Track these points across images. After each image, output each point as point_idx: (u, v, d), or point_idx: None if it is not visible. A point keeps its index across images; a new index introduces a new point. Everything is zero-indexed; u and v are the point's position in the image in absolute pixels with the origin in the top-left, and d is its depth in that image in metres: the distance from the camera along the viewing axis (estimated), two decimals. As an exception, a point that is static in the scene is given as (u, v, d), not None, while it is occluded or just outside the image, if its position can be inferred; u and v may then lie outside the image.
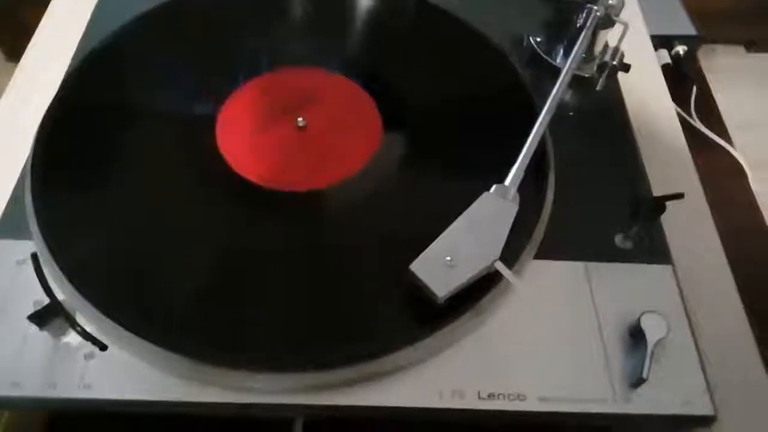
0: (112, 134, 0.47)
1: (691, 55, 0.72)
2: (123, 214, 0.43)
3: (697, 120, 0.67)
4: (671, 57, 0.72)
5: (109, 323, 0.38)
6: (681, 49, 0.71)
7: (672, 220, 0.46)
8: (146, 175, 0.46)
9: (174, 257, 0.41)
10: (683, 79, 0.70)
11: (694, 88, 0.69)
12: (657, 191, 0.47)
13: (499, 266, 0.38)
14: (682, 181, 0.49)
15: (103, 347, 0.38)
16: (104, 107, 0.49)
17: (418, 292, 0.38)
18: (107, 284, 0.39)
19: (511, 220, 0.40)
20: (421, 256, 0.38)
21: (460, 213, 0.40)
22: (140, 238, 0.42)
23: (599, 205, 0.46)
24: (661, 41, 0.71)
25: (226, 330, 0.38)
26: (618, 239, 0.44)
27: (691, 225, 0.47)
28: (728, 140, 0.66)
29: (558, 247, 0.43)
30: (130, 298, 0.39)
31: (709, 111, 0.69)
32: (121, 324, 0.38)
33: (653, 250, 0.44)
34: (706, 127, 0.66)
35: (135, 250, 0.42)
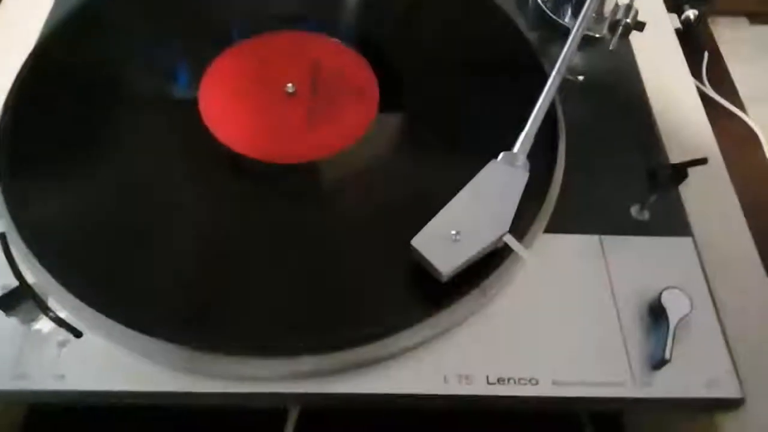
0: (87, 107, 0.44)
1: (701, 20, 0.68)
2: (99, 191, 0.40)
3: (709, 88, 0.63)
4: (681, 22, 0.68)
5: (84, 308, 0.35)
6: (692, 13, 0.67)
7: (689, 189, 0.43)
8: (124, 149, 0.42)
9: (155, 236, 0.38)
10: (694, 45, 0.67)
11: (706, 55, 0.66)
12: (673, 159, 0.44)
13: (509, 240, 0.35)
14: (698, 147, 0.46)
15: (77, 334, 0.35)
16: (77, 78, 0.45)
17: (420, 269, 0.35)
18: (81, 265, 0.36)
19: (521, 189, 0.36)
20: (423, 230, 0.35)
21: (465, 183, 0.37)
22: (118, 217, 0.39)
23: (613, 174, 0.43)
24: (670, 4, 0.67)
25: (212, 313, 0.35)
26: (634, 210, 0.41)
27: (709, 194, 0.44)
28: (742, 109, 0.63)
29: (570, 219, 0.40)
30: (106, 280, 0.36)
31: (722, 79, 0.66)
32: (97, 308, 0.34)
33: (672, 221, 0.41)
34: (719, 95, 0.63)
35: (112, 229, 0.38)
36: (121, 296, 0.35)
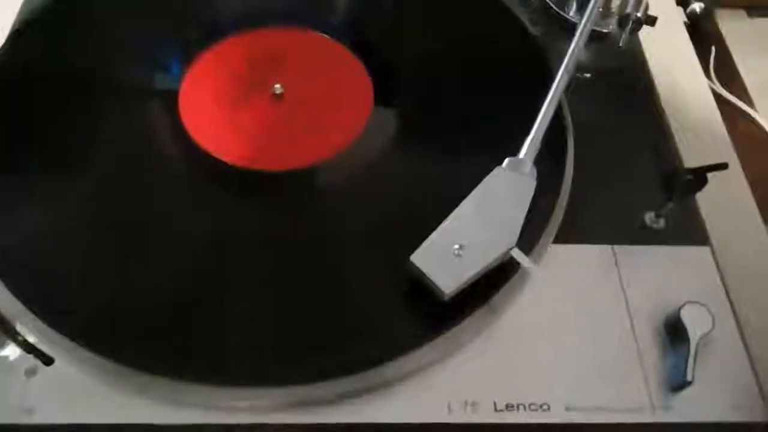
0: (57, 108, 0.41)
1: (708, 14, 0.66)
2: (70, 202, 0.37)
3: (718, 84, 0.60)
4: (687, 15, 0.65)
5: (53, 333, 0.32)
6: (698, 6, 0.64)
7: (704, 194, 0.40)
8: (99, 157, 0.39)
9: (133, 254, 0.35)
10: (700, 40, 0.64)
11: (713, 49, 0.63)
12: (687, 162, 0.41)
13: (517, 254, 0.32)
14: (713, 150, 0.44)
15: (48, 361, 0.32)
16: (47, 77, 0.42)
17: (420, 287, 0.32)
18: (50, 285, 0.33)
19: (529, 198, 0.34)
20: (423, 245, 0.32)
21: (467, 192, 0.34)
22: (92, 231, 0.36)
23: (625, 180, 0.40)
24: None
25: (196, 339, 0.32)
26: (648, 218, 0.38)
27: (726, 200, 0.41)
28: (752, 107, 0.60)
29: (580, 228, 0.38)
30: (78, 302, 0.33)
31: (729, 75, 0.63)
32: (67, 334, 0.31)
33: (688, 229, 0.38)
34: (727, 91, 0.60)
35: (86, 249, 0.35)
36: (94, 321, 0.32)
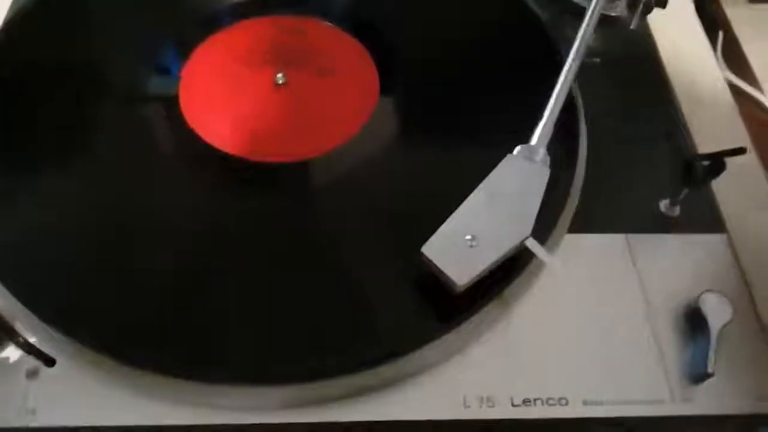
0: (54, 104, 0.39)
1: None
2: (69, 196, 0.36)
3: (726, 68, 0.59)
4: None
5: (54, 333, 0.31)
6: (703, -11, 0.63)
7: (717, 181, 0.39)
8: (96, 149, 0.38)
9: (134, 250, 0.34)
10: (707, 24, 0.63)
11: (721, 34, 0.62)
12: (701, 148, 0.40)
13: (532, 244, 0.31)
14: (726, 135, 0.43)
15: (50, 362, 0.31)
16: (42, 68, 0.41)
17: (430, 280, 0.31)
18: (50, 284, 0.32)
19: (543, 186, 0.33)
20: (434, 235, 0.31)
21: (478, 182, 0.33)
22: (92, 227, 0.35)
23: (637, 166, 0.39)
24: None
25: (202, 337, 0.31)
26: (663, 205, 0.37)
27: (740, 186, 0.40)
28: (761, 92, 0.59)
29: (593, 217, 0.37)
30: (79, 301, 0.32)
31: (738, 60, 0.62)
32: (69, 334, 0.30)
33: (703, 216, 0.37)
34: (738, 77, 0.59)
35: (86, 243, 0.34)
36: (97, 320, 0.31)
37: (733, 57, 0.63)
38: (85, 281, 0.32)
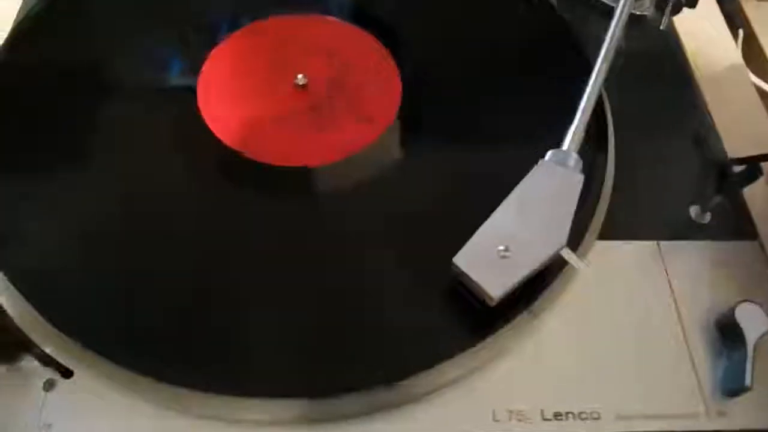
0: (69, 101, 0.38)
1: (733, -4, 0.63)
2: (84, 200, 0.35)
3: (747, 70, 0.58)
4: (715, -1, 0.63)
5: (72, 344, 0.30)
6: (724, -13, 0.62)
7: (749, 186, 0.38)
8: (112, 151, 0.37)
9: (152, 256, 0.33)
10: (728, 22, 0.61)
11: (741, 32, 0.61)
12: (731, 153, 0.39)
13: (567, 254, 0.30)
14: (757, 139, 0.41)
15: (67, 373, 0.30)
16: (56, 67, 0.40)
17: (458, 291, 0.31)
18: (66, 294, 0.31)
19: (578, 192, 0.32)
20: (466, 246, 0.30)
21: (506, 188, 0.32)
22: (108, 232, 0.34)
23: (666, 171, 0.38)
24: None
25: (222, 349, 0.30)
26: (693, 212, 0.37)
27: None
28: (781, 92, 0.58)
29: (623, 224, 0.36)
30: (97, 310, 0.31)
31: (757, 59, 0.61)
32: (89, 345, 0.29)
33: (736, 223, 0.37)
34: (758, 76, 0.58)
35: (102, 252, 0.33)
36: (117, 330, 0.30)
37: (753, 56, 0.62)
38: (101, 291, 0.31)
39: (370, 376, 0.29)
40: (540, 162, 0.33)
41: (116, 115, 0.38)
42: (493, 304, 0.29)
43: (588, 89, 0.35)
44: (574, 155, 0.33)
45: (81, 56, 0.40)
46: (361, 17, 0.43)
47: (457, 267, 0.30)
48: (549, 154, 0.33)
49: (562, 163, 0.33)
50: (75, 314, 0.30)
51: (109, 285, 0.32)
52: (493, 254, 0.30)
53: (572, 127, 0.34)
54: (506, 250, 0.30)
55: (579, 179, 0.32)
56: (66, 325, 0.30)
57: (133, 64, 0.40)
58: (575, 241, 0.33)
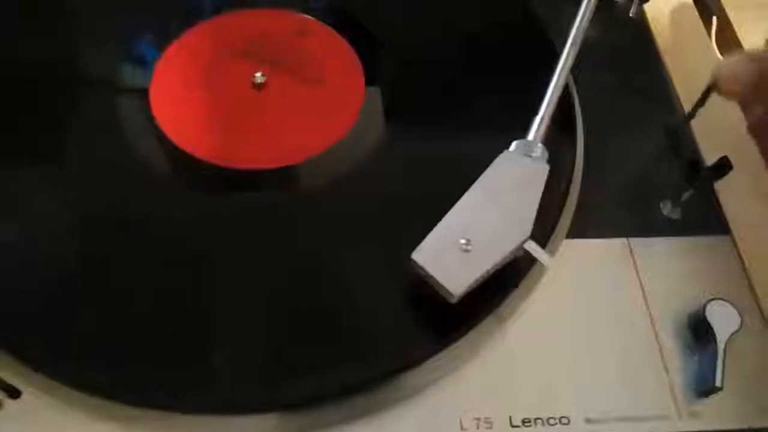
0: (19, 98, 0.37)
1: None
2: (27, 213, 0.33)
3: (720, 57, 0.57)
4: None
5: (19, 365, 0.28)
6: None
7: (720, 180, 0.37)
8: (61, 157, 0.35)
9: (102, 267, 0.31)
10: (700, 9, 0.61)
11: (715, 20, 0.60)
12: (702, 147, 0.38)
13: (531, 247, 0.29)
14: (727, 132, 0.40)
15: (14, 393, 0.28)
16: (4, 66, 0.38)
17: (420, 291, 0.29)
18: (12, 312, 0.30)
19: (542, 184, 0.30)
20: (425, 240, 0.29)
21: (471, 181, 0.31)
22: (58, 247, 0.32)
23: (637, 165, 0.37)
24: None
25: (180, 364, 0.29)
26: (665, 207, 0.36)
27: (743, 186, 0.38)
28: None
29: (592, 221, 0.35)
30: (43, 327, 0.29)
31: (731, 47, 0.60)
32: (33, 364, 0.28)
33: (707, 218, 0.36)
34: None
35: (46, 264, 0.31)
36: (63, 348, 0.29)
37: (726, 43, 0.61)
38: (50, 309, 0.30)
39: (324, 387, 0.28)
40: (504, 153, 0.32)
41: (64, 119, 0.36)
42: (454, 301, 0.28)
43: (554, 78, 0.34)
44: (540, 145, 0.32)
45: (25, 54, 0.39)
46: (317, 10, 0.42)
47: (415, 263, 0.28)
48: (513, 144, 0.32)
49: (526, 153, 0.32)
50: (20, 334, 0.29)
51: (57, 302, 0.30)
52: (454, 248, 0.29)
53: (537, 117, 0.33)
54: (468, 243, 0.29)
55: (544, 169, 0.31)
56: (12, 345, 0.29)
57: (76, 63, 0.39)
58: (543, 237, 0.31)
